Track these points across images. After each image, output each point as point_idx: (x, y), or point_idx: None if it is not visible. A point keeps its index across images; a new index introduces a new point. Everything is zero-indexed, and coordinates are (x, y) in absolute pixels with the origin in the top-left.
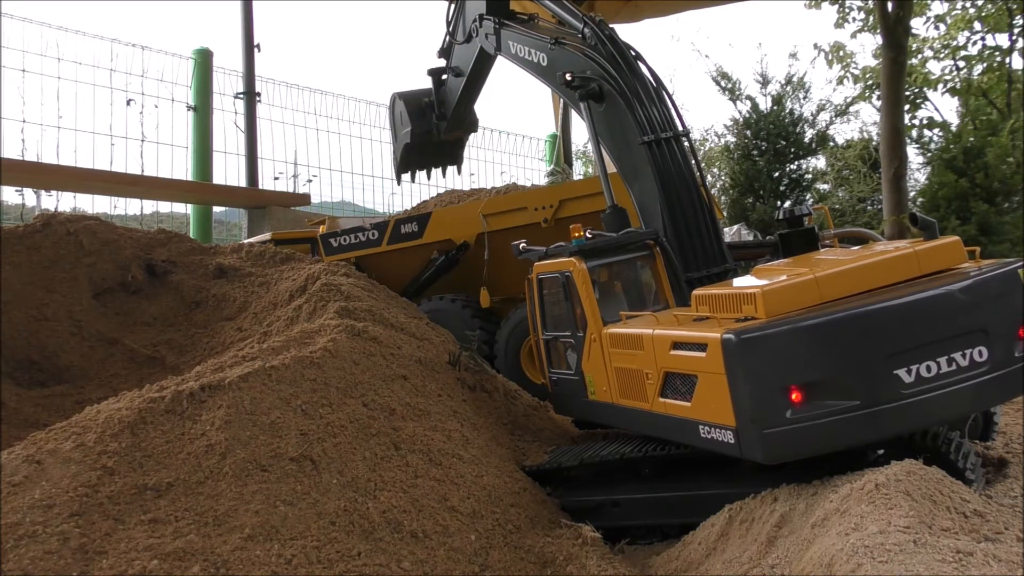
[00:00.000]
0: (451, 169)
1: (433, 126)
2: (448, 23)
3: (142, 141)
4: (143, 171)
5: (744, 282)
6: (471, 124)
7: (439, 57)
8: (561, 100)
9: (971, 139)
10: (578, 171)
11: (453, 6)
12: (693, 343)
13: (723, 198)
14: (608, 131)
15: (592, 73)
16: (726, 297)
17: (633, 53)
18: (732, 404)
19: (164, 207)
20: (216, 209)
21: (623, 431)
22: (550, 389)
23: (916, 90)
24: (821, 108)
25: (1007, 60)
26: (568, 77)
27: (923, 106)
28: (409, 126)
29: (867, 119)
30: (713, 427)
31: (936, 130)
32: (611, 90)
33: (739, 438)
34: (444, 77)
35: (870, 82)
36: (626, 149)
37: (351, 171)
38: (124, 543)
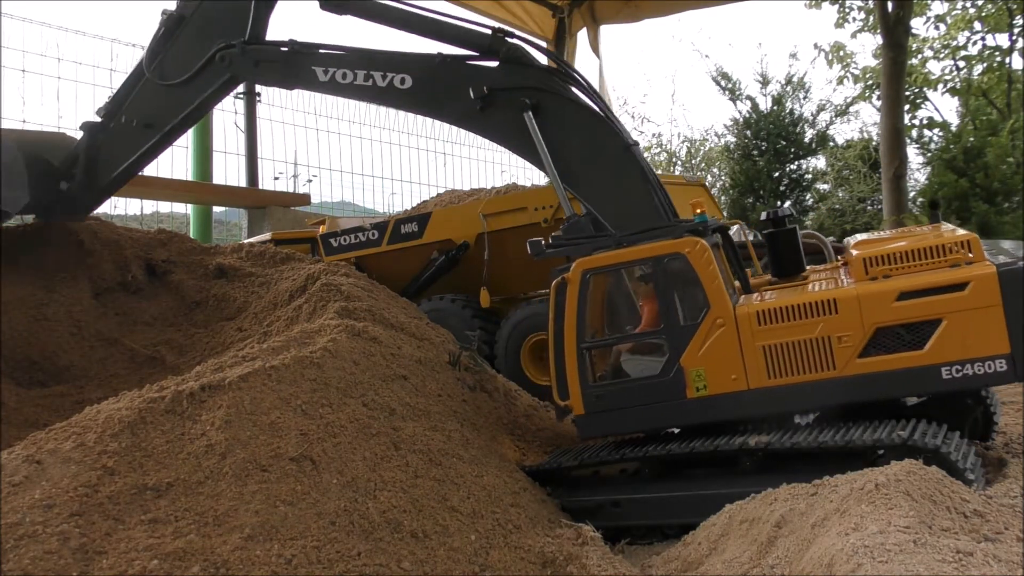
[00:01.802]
0: (451, 169)
1: (62, 197)
2: (150, 62)
3: None
4: (143, 171)
5: (900, 242)
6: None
7: (101, 116)
8: None
9: (971, 139)
10: None
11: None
12: (939, 287)
13: (723, 198)
14: (555, 145)
15: (517, 85)
16: (921, 251)
17: (566, 67)
18: (1010, 332)
19: (164, 207)
20: (216, 209)
21: (753, 416)
22: (582, 409)
23: (916, 90)
24: (821, 108)
25: (1007, 60)
26: (485, 90)
27: (923, 106)
28: (26, 196)
29: (867, 119)
30: (968, 363)
31: (936, 130)
32: (564, 101)
33: (1015, 363)
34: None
35: (870, 82)
36: (588, 160)
37: (351, 171)
38: (124, 543)
